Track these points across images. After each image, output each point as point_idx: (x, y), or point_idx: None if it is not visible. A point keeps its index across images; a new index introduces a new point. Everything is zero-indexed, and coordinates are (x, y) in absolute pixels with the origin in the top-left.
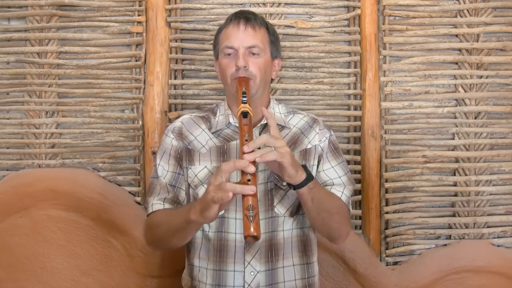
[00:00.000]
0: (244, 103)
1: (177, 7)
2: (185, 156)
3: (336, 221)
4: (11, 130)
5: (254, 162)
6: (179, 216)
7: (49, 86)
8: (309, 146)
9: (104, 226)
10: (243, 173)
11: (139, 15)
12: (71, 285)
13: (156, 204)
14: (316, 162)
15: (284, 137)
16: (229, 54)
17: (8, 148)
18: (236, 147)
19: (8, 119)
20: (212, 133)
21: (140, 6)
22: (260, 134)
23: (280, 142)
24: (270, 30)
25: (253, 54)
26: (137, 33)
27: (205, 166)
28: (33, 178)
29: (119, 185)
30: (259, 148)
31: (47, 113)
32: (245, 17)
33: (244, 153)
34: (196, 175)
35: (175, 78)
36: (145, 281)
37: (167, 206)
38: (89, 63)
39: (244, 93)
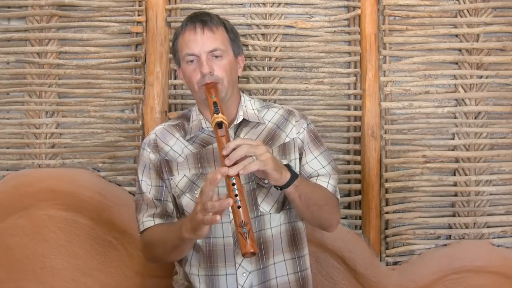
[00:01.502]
0: (217, 113)
1: (177, 7)
2: (164, 167)
3: (326, 211)
4: (11, 130)
5: (237, 176)
6: (172, 234)
7: (49, 86)
8: (287, 140)
9: (104, 226)
10: (227, 178)
11: (139, 15)
12: (71, 285)
13: (147, 221)
14: (297, 156)
15: (260, 134)
16: (191, 61)
17: (8, 148)
18: (213, 151)
19: (8, 119)
20: (187, 140)
21: (140, 6)
22: (235, 133)
23: (260, 149)
24: (228, 28)
25: (216, 57)
26: (137, 33)
27: (184, 175)
28: (33, 178)
29: (119, 185)
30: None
31: (47, 113)
32: (200, 20)
33: (226, 166)
34: (176, 185)
35: (175, 78)
36: (145, 281)
37: (157, 221)
38: (89, 63)
39: (215, 103)
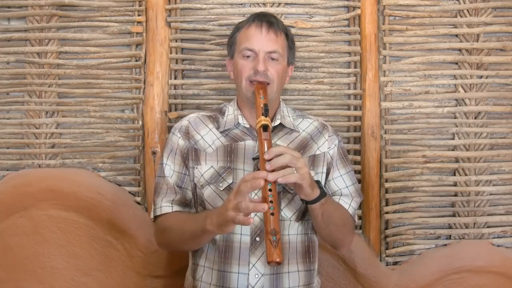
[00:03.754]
0: (265, 115)
1: (177, 7)
2: (191, 155)
3: (342, 232)
4: (11, 130)
5: (275, 182)
6: (194, 224)
7: (49, 86)
8: (318, 152)
9: (104, 226)
10: (264, 182)
11: (139, 15)
12: (71, 285)
13: (165, 206)
14: (324, 170)
15: (293, 141)
16: (248, 56)
17: (8, 148)
18: (244, 148)
19: (8, 119)
20: (220, 132)
21: (140, 6)
22: None
23: (301, 162)
24: (289, 36)
25: (273, 59)
26: (137, 33)
27: (212, 166)
28: (33, 178)
29: (119, 185)
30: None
31: (47, 113)
32: (268, 20)
33: (266, 170)
34: (202, 175)
35: (175, 78)
36: (145, 281)
37: (176, 208)
38: (89, 63)
39: (265, 105)
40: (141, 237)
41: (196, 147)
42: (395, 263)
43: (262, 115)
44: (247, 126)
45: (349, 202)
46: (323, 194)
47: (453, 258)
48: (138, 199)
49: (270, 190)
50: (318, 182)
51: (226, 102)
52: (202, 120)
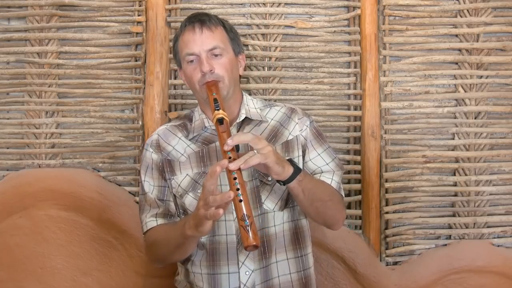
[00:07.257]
0: (217, 109)
1: (177, 7)
2: (166, 167)
3: (331, 208)
4: (11, 130)
5: (239, 170)
6: (176, 232)
7: (49, 86)
8: (290, 137)
9: (104, 226)
10: (228, 172)
11: (139, 15)
12: (71, 285)
13: (150, 221)
14: (300, 153)
15: (263, 131)
16: (191, 61)
17: (8, 148)
18: (216, 149)
19: (8, 119)
20: (190, 139)
21: (140, 6)
22: (238, 132)
23: (262, 142)
24: (227, 28)
25: (216, 55)
26: (137, 33)
27: (187, 174)
28: (33, 178)
29: (119, 185)
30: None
31: (47, 113)
32: (199, 20)
33: (226, 151)
34: (179, 185)
35: (175, 78)
36: (145, 281)
37: (160, 221)
38: (89, 63)
39: (215, 99)
40: (141, 237)
41: (169, 158)
42: (395, 263)
43: (215, 109)
44: (214, 127)
45: (331, 177)
46: (297, 170)
47: (453, 258)
48: (138, 199)
49: (235, 178)
50: (290, 160)
51: (193, 108)
52: (171, 130)
